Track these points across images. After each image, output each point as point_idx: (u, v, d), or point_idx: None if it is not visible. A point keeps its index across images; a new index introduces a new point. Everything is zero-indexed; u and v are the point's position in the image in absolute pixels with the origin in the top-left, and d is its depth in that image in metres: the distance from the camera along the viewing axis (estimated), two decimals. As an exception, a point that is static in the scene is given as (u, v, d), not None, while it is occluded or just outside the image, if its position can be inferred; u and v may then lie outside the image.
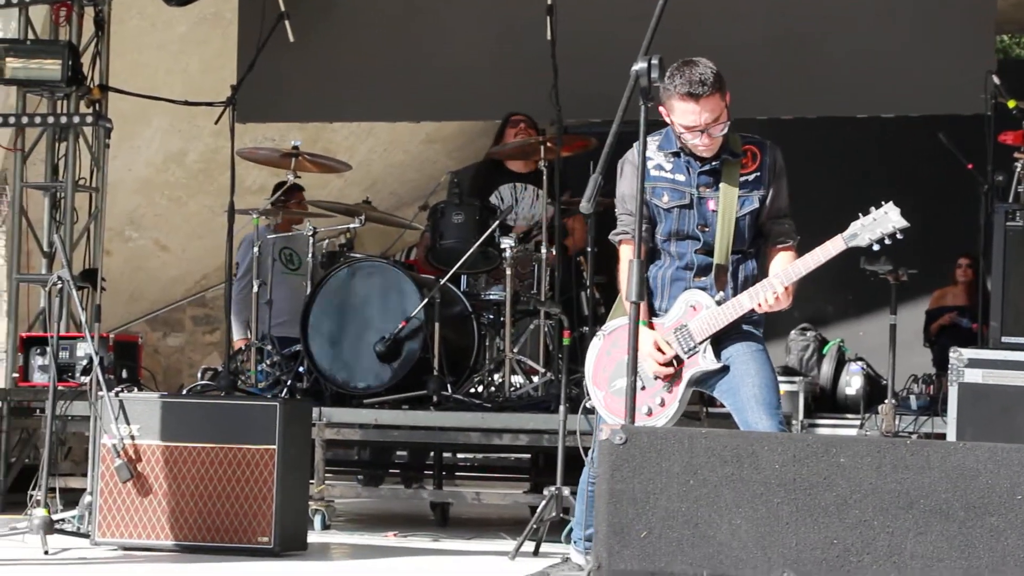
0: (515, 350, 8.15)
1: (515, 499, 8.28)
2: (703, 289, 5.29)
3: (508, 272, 8.02)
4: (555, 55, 8.04)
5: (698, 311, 5.26)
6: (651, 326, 5.27)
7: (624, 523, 3.64)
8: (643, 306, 5.03)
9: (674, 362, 5.25)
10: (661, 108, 5.22)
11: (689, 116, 5.18)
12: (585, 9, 9.05)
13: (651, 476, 3.68)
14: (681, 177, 5.32)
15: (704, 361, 5.24)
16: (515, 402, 7.94)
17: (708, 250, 5.30)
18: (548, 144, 8.19)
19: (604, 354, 5.40)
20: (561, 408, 6.77)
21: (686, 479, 3.65)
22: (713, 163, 5.30)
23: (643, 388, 5.17)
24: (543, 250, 8.13)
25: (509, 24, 9.54)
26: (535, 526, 6.49)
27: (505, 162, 8.88)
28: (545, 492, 6.63)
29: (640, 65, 4.62)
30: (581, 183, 7.93)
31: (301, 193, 9.49)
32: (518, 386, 8.10)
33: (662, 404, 5.26)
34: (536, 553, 6.39)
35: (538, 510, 6.55)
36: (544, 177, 8.19)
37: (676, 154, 5.33)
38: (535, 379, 8.13)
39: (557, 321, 7.95)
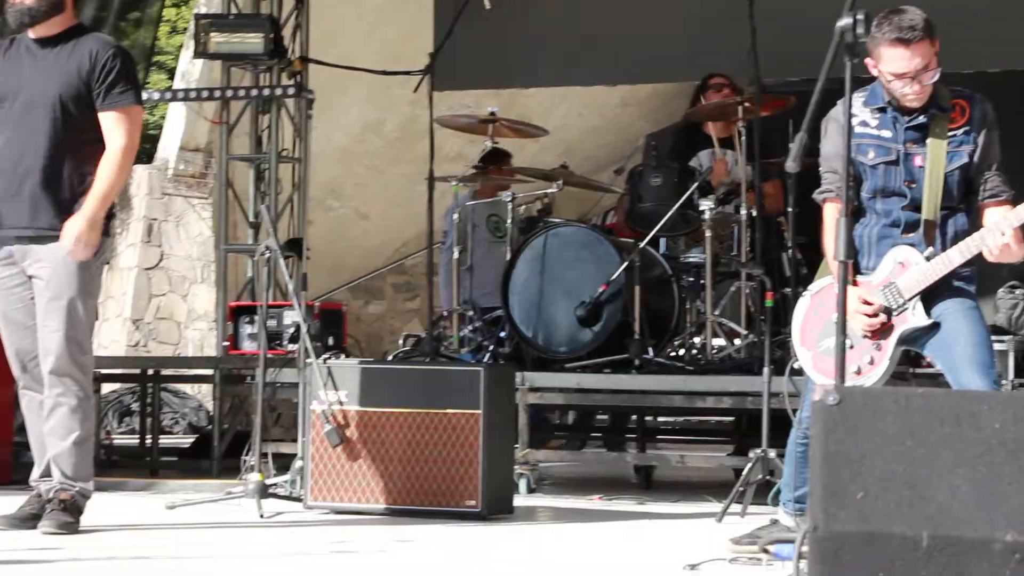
0: (716, 312, 8.09)
1: (719, 462, 8.24)
2: (911, 245, 5.18)
3: (708, 234, 7.96)
4: (753, 14, 7.93)
5: (907, 268, 5.16)
6: (856, 284, 5.18)
7: (839, 485, 3.57)
8: (850, 265, 4.95)
9: (883, 318, 5.16)
10: (868, 60, 5.12)
11: (899, 63, 5.07)
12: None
13: (866, 437, 3.61)
14: (887, 133, 5.21)
15: (914, 318, 5.14)
16: (717, 364, 7.88)
17: (915, 206, 5.19)
18: (747, 104, 8.10)
19: (811, 314, 5.33)
20: (765, 370, 6.69)
21: (903, 439, 3.57)
22: (920, 117, 5.18)
23: (852, 347, 5.08)
24: (743, 211, 8.05)
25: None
26: (741, 488, 6.44)
27: (703, 125, 8.81)
28: (750, 454, 6.59)
29: (845, 21, 4.52)
30: (780, 143, 7.89)
31: (508, 159, 9.50)
32: (720, 348, 8.04)
33: (871, 363, 5.18)
34: (743, 515, 6.34)
35: (744, 472, 6.50)
36: (743, 138, 8.10)
37: (882, 109, 5.22)
38: (737, 341, 8.06)
39: (759, 282, 7.87)
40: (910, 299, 5.14)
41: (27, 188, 5.82)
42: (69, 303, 5.77)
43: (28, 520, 5.79)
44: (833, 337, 4.54)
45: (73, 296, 5.78)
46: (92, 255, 5.80)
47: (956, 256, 5.09)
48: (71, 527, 5.71)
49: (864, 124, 5.22)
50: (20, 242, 5.83)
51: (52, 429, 5.80)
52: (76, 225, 5.74)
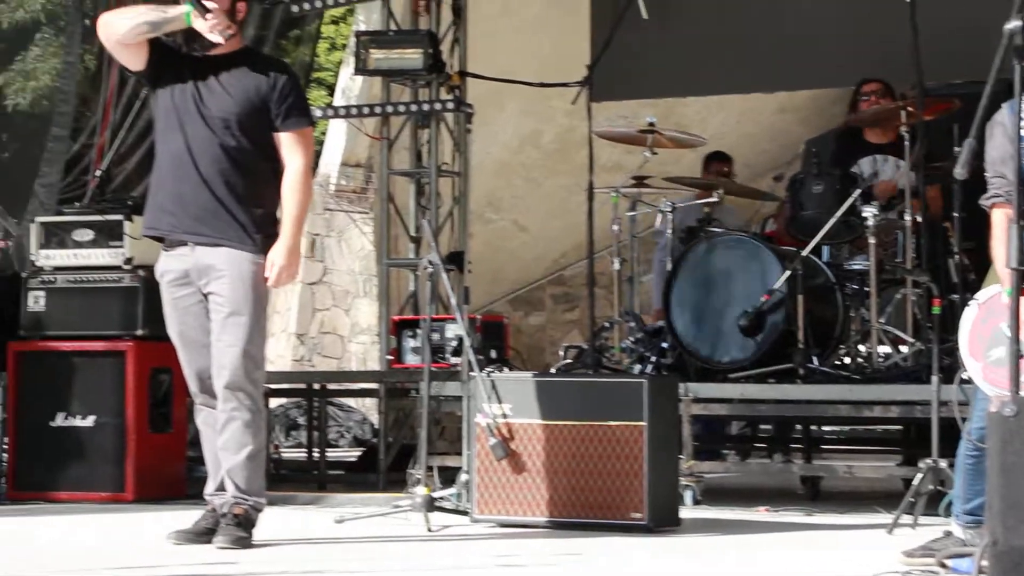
0: (881, 320, 7.98)
1: (888, 472, 8.13)
2: (1085, 252, 5.06)
3: (872, 241, 7.87)
4: (914, 16, 7.82)
5: (1081, 274, 5.04)
6: None
7: (1019, 497, 3.52)
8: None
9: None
10: None
11: None
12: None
13: (1044, 448, 3.56)
14: (1056, 138, 5.10)
15: (1090, 327, 5.02)
16: (884, 373, 7.78)
17: (1088, 212, 5.07)
18: (909, 108, 7.99)
19: (979, 323, 5.22)
20: (934, 378, 6.58)
21: (1083, 451, 3.52)
22: (1091, 121, 5.07)
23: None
24: (907, 217, 7.95)
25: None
26: (912, 499, 6.35)
27: (863, 131, 8.71)
28: (920, 465, 6.49)
29: (1015, 23, 4.44)
30: (942, 147, 7.78)
31: (724, 163, 9.48)
32: (886, 356, 7.93)
33: (1046, 373, 5.06)
34: (914, 527, 6.25)
35: (914, 483, 6.41)
36: (906, 143, 7.99)
37: (1051, 113, 5.11)
38: (903, 349, 7.95)
39: (925, 289, 7.75)
40: None
41: (201, 201, 5.91)
42: (246, 319, 5.87)
43: (203, 535, 5.89)
44: (1003, 347, 4.46)
45: (250, 312, 5.88)
46: (294, 279, 5.98)
47: None
48: (244, 541, 5.79)
49: None
50: (196, 257, 5.91)
51: (226, 443, 5.89)
52: (278, 254, 5.87)
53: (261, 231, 5.92)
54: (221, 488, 5.96)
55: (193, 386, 6.07)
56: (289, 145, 5.98)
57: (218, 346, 5.89)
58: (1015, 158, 4.59)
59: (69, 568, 5.38)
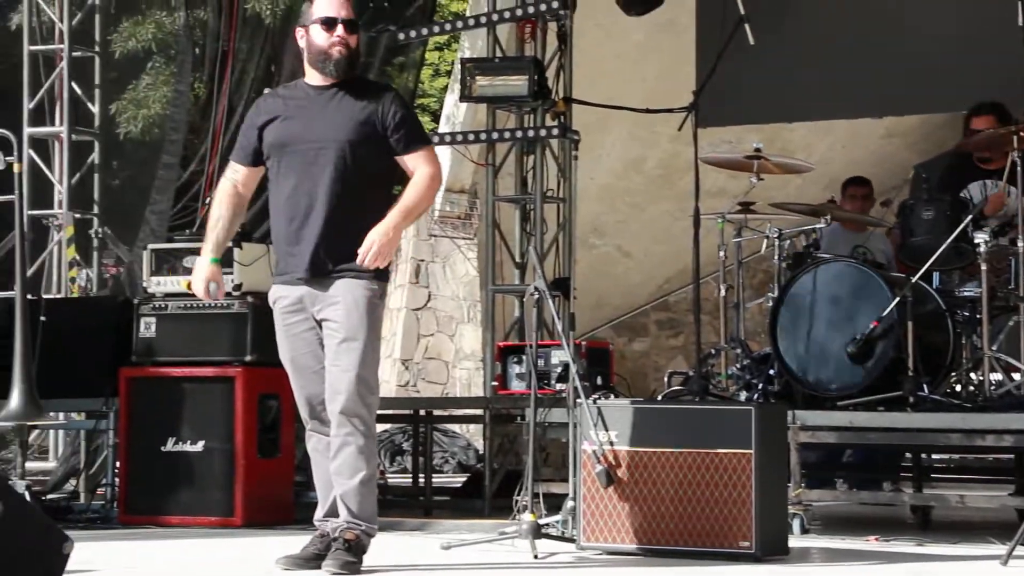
0: (993, 347, 7.88)
1: (1001, 502, 8.01)
2: None
3: (983, 267, 7.78)
4: (1027, 39, 7.75)
5: None
6: None
7: None
8: None
9: None
10: None
11: None
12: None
13: None
14: None
15: None
16: (997, 401, 7.68)
17: None
18: (1022, 133, 7.89)
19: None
20: (1049, 408, 6.51)
21: None
22: None
23: None
24: (1020, 244, 7.85)
25: (973, 11, 9.26)
26: (1026, 530, 6.26)
27: (974, 156, 8.63)
28: (1034, 495, 6.41)
29: None
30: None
31: (862, 187, 9.42)
32: (998, 384, 7.83)
33: None
34: (1029, 559, 6.17)
35: (1028, 513, 6.33)
36: (1019, 168, 7.90)
37: None
38: (1016, 377, 7.85)
39: (1039, 317, 7.68)
40: None
41: (316, 231, 5.90)
42: (360, 344, 5.87)
43: (311, 560, 5.90)
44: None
45: (364, 337, 5.88)
46: (386, 262, 5.88)
47: None
48: (354, 567, 5.80)
49: None
50: (311, 285, 5.93)
51: (339, 468, 5.90)
52: (377, 232, 5.82)
53: None
54: (331, 513, 5.98)
55: (304, 412, 6.10)
56: (417, 162, 5.97)
57: (332, 371, 5.91)
58: None
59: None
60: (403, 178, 6.09)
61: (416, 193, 5.94)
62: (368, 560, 5.93)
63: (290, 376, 6.11)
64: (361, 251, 5.82)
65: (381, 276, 5.95)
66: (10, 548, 3.73)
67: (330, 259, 5.91)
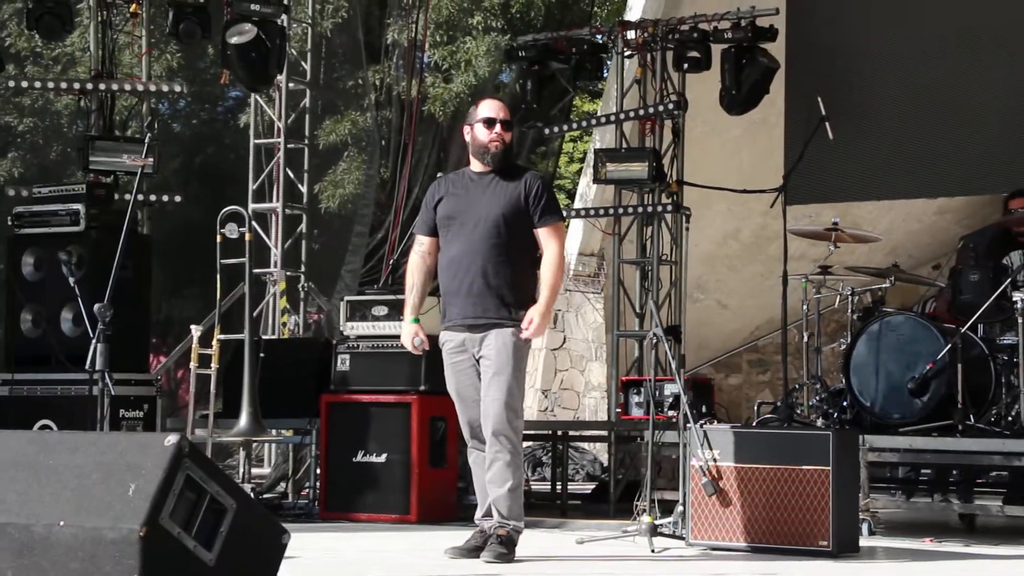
0: (1029, 385, 7.74)
1: (1035, 512, 7.86)
2: None
3: (1020, 320, 7.64)
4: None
5: None
6: None
7: None
8: None
9: None
10: None
11: None
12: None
13: None
14: None
15: None
16: (1032, 429, 7.54)
17: None
18: (1053, 211, 7.78)
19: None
20: (1077, 434, 6.37)
21: None
22: None
23: None
24: (1051, 302, 7.71)
25: (1014, 105, 9.14)
26: (1056, 535, 6.14)
27: (1013, 230, 8.50)
28: (1064, 506, 6.28)
29: None
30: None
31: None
32: (1034, 416, 7.68)
33: None
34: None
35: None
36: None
37: None
38: (1047, 409, 7.69)
39: (1066, 361, 7.53)
40: None
41: (476, 288, 5.96)
42: (508, 378, 5.92)
43: (473, 551, 5.95)
44: None
45: (511, 372, 5.93)
46: (542, 333, 5.98)
47: None
48: (507, 557, 5.84)
49: None
50: (471, 331, 6.00)
51: (491, 478, 5.95)
52: (535, 312, 5.90)
53: (523, 308, 5.99)
54: (488, 514, 6.02)
55: (466, 432, 6.15)
56: (546, 236, 6.02)
57: (486, 400, 5.96)
58: None
59: (373, 573, 5.49)
60: None
61: (554, 274, 5.99)
62: (518, 552, 5.96)
63: (455, 403, 6.16)
64: (524, 324, 5.90)
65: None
66: (244, 536, 3.82)
67: (491, 309, 5.97)
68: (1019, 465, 7.55)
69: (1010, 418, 7.76)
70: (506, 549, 5.86)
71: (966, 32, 9.65)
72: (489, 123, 6.04)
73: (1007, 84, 9.17)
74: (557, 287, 6.04)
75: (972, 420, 7.56)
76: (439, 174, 8.38)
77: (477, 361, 6.01)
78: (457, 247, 6.03)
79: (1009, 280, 7.75)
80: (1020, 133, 8.95)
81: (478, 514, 6.11)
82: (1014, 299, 7.67)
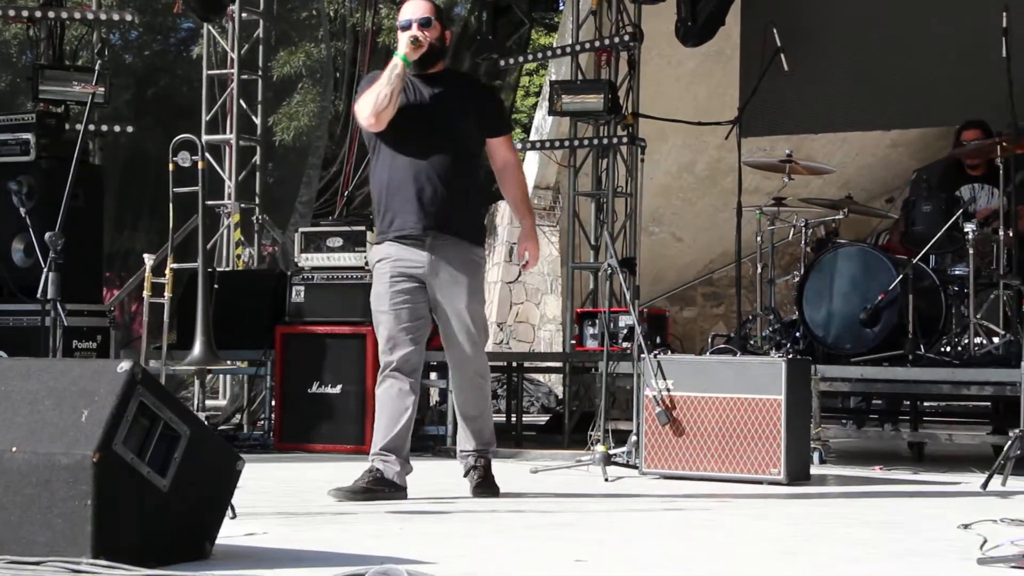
0: (978, 316, 7.83)
1: (981, 439, 7.97)
2: None
3: (971, 251, 7.73)
4: (1010, 69, 7.66)
5: None
6: None
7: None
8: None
9: None
10: None
11: None
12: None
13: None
14: None
15: None
16: (979, 359, 7.63)
17: None
18: (1004, 144, 7.82)
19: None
20: (1023, 364, 6.46)
21: None
22: None
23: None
24: (1000, 233, 7.79)
25: (967, 42, 9.15)
26: (1002, 462, 6.23)
27: (965, 162, 8.55)
28: (1010, 433, 6.37)
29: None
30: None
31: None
32: (981, 346, 7.78)
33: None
34: (1004, 484, 6.13)
35: (1004, 449, 6.29)
36: (1000, 172, 7.83)
37: None
38: (995, 340, 7.79)
39: (1015, 291, 7.61)
40: None
41: (427, 197, 5.60)
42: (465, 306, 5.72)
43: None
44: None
45: (466, 300, 5.71)
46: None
47: None
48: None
49: None
50: (417, 245, 5.62)
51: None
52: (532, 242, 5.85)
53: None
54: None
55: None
56: (502, 146, 5.80)
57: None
58: None
59: (328, 501, 5.52)
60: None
61: (523, 187, 5.93)
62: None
63: None
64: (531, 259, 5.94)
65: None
66: (198, 463, 3.81)
67: (445, 219, 5.71)
68: (970, 393, 7.65)
69: (960, 348, 7.86)
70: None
71: (921, -37, 9.65)
72: (404, 28, 5.66)
73: (961, 15, 9.18)
74: (528, 199, 6.00)
75: (923, 350, 7.65)
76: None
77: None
78: (409, 157, 5.62)
79: (961, 211, 7.81)
80: (974, 64, 8.96)
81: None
82: (965, 230, 7.74)
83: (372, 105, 5.57)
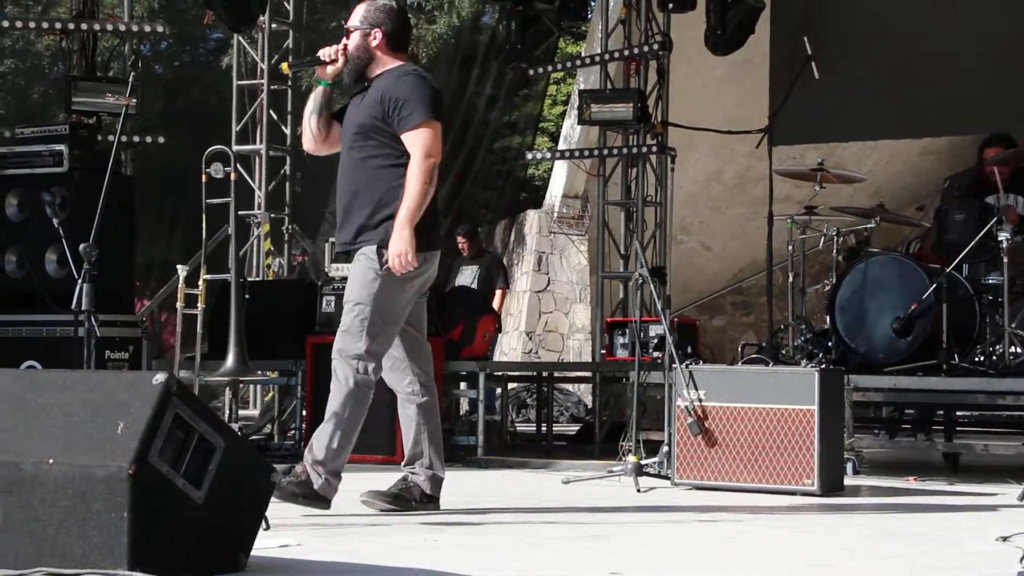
0: (1013, 325, 7.76)
1: (1018, 450, 7.90)
2: None
3: (1005, 260, 7.66)
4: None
5: None
6: None
7: None
8: None
9: None
10: None
11: None
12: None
13: None
14: None
15: None
16: (1015, 368, 7.56)
17: None
18: (1028, 153, 7.77)
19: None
20: (1059, 374, 6.39)
21: None
22: None
23: None
24: (1033, 241, 7.73)
25: (995, 53, 9.10)
26: (1039, 473, 6.17)
27: (989, 178, 8.48)
28: (1047, 444, 6.31)
29: None
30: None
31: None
32: (1016, 355, 7.70)
33: None
34: (1041, 495, 6.08)
35: (1042, 460, 6.23)
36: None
37: None
38: (1031, 349, 7.72)
39: (1050, 300, 7.55)
40: None
41: (341, 208, 5.41)
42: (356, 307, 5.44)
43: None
44: None
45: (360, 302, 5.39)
46: (412, 266, 5.20)
47: None
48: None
49: None
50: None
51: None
52: (393, 240, 5.19)
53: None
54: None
55: None
56: (409, 143, 5.22)
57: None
58: None
59: (359, 511, 5.50)
60: None
61: (410, 186, 5.24)
62: (503, 491, 5.95)
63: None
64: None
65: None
66: (232, 475, 3.80)
67: (353, 231, 5.44)
68: (1005, 403, 7.58)
69: (994, 357, 7.79)
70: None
71: (951, -29, 9.61)
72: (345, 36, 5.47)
73: (991, 23, 9.13)
74: (414, 202, 5.16)
75: (956, 360, 7.58)
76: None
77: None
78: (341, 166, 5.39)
79: (995, 219, 7.75)
80: (1004, 72, 8.92)
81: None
82: (999, 239, 7.67)
83: (309, 136, 5.50)
